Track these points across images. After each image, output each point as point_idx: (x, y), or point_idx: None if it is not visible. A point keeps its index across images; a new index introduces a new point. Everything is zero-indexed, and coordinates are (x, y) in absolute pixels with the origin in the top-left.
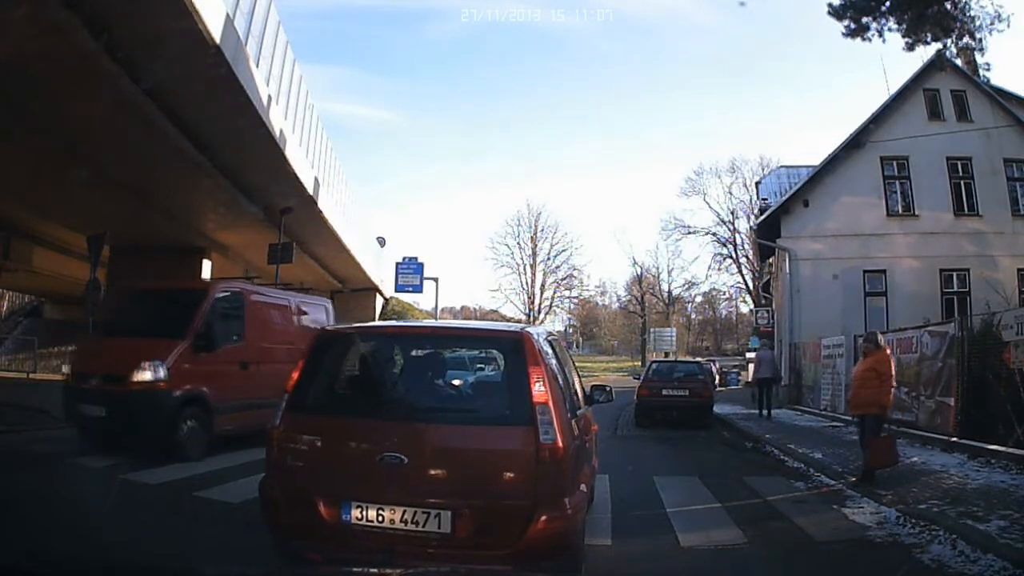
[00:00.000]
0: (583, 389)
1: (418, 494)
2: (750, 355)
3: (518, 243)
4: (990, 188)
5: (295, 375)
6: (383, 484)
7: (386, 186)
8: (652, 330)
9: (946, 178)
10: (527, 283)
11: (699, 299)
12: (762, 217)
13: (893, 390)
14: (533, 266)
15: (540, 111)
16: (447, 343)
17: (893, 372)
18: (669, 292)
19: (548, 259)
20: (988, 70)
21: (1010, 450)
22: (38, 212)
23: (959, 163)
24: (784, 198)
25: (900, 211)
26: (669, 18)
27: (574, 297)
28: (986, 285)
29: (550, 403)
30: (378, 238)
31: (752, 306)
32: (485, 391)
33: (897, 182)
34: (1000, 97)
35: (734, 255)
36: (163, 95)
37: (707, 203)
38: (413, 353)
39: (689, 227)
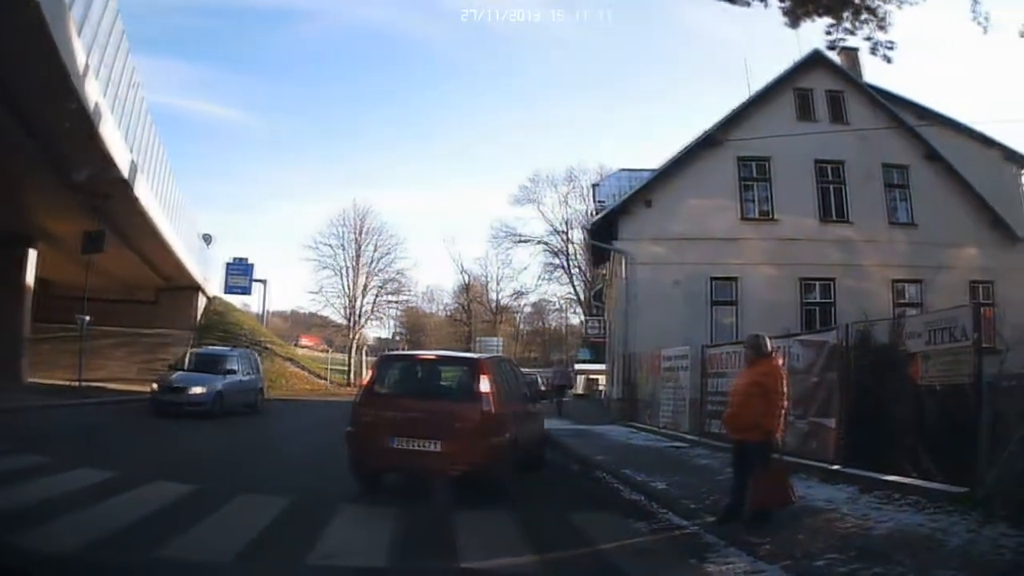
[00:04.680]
0: (528, 390)
1: (426, 432)
2: (579, 367)
3: (342, 244)
4: (863, 194)
5: (370, 376)
6: (410, 427)
7: (228, 187)
8: (478, 339)
9: (813, 182)
10: (349, 286)
11: (528, 309)
12: (598, 216)
13: (783, 410)
14: (356, 269)
15: (384, 116)
16: (442, 361)
17: (784, 388)
18: (497, 301)
19: (372, 262)
20: (891, 48)
21: (915, 482)
22: None
23: (829, 167)
24: (624, 196)
25: (757, 215)
26: (525, 30)
27: (400, 302)
28: (853, 295)
29: (489, 392)
30: (203, 235)
31: (583, 317)
32: (460, 385)
33: (756, 184)
34: (882, 98)
35: (566, 265)
36: None
37: (541, 212)
38: (426, 365)
39: (521, 236)
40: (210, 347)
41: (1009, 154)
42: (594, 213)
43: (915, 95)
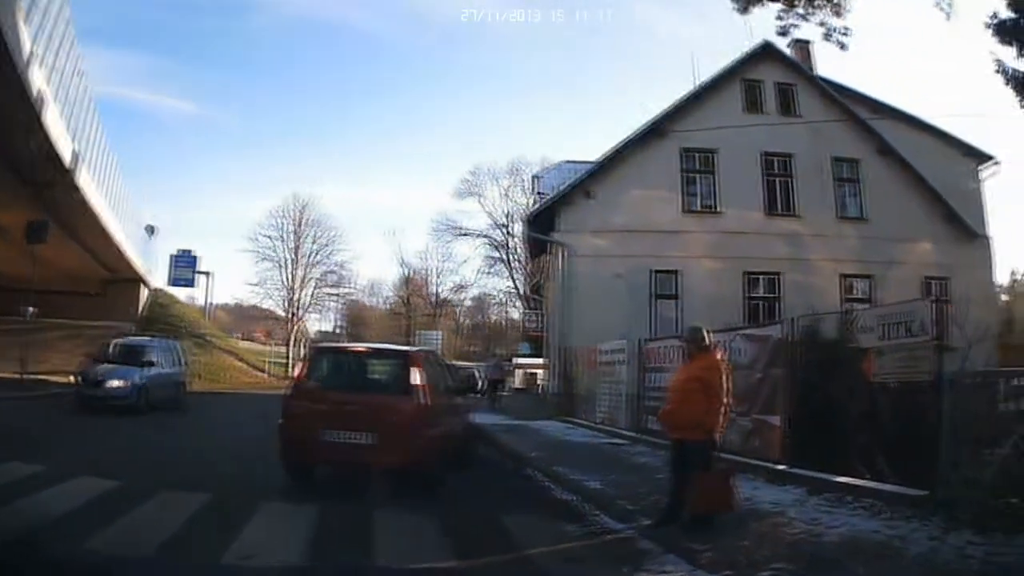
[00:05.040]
0: (455, 384)
1: (360, 425)
2: (519, 361)
3: (281, 236)
4: (812, 187)
5: (302, 369)
6: (343, 420)
7: (176, 180)
8: (418, 332)
9: (760, 174)
10: (288, 278)
11: (469, 303)
12: (537, 207)
13: (725, 407)
14: (295, 260)
15: (333, 111)
16: (374, 353)
17: (726, 383)
18: (438, 295)
19: (311, 254)
20: (846, 34)
21: (869, 484)
22: None
23: (777, 159)
24: (565, 187)
25: (700, 207)
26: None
27: (341, 295)
28: (800, 290)
29: (422, 384)
30: (147, 226)
31: (523, 311)
32: (392, 377)
33: (700, 176)
34: (835, 91)
35: (507, 259)
36: None
37: (482, 205)
38: (358, 358)
39: (462, 229)
40: (131, 337)
41: (967, 149)
42: (536, 205)
43: (872, 90)
